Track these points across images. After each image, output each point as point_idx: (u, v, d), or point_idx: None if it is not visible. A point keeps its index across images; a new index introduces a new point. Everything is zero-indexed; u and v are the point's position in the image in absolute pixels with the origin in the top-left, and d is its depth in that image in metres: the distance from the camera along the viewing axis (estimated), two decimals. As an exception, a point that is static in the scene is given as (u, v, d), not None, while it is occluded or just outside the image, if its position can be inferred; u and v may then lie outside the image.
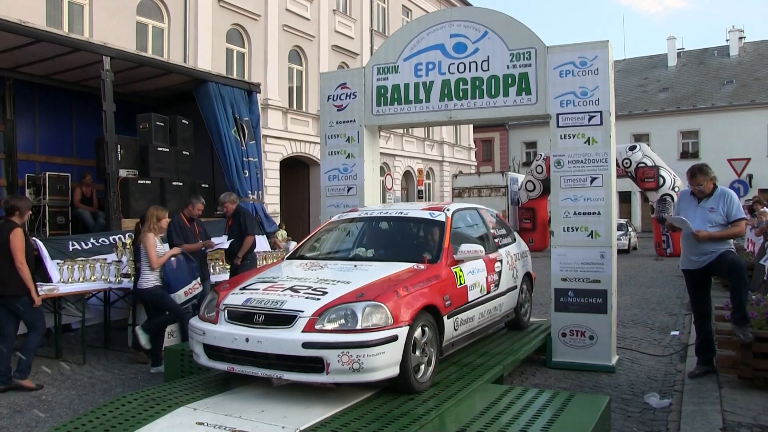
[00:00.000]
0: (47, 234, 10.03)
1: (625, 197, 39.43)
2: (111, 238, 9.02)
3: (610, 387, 6.16)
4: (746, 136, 37.14)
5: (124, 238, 8.82)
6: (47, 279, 7.70)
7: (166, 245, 7.36)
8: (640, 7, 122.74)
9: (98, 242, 8.89)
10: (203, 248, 7.94)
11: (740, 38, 45.08)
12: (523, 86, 6.99)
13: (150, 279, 6.98)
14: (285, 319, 4.47)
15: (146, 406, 4.39)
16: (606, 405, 4.45)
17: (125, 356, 7.81)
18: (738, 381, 5.57)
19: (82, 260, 8.12)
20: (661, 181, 23.13)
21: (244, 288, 5.01)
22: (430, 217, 6.11)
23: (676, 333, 8.75)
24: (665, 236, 22.66)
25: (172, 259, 7.05)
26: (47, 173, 10.70)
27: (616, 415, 5.24)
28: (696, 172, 6.01)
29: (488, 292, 6.16)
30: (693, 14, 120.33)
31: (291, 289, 4.80)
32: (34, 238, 8.71)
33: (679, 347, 7.74)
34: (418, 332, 4.71)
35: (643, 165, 23.42)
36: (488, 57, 7.12)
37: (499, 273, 6.53)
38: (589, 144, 6.73)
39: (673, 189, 22.85)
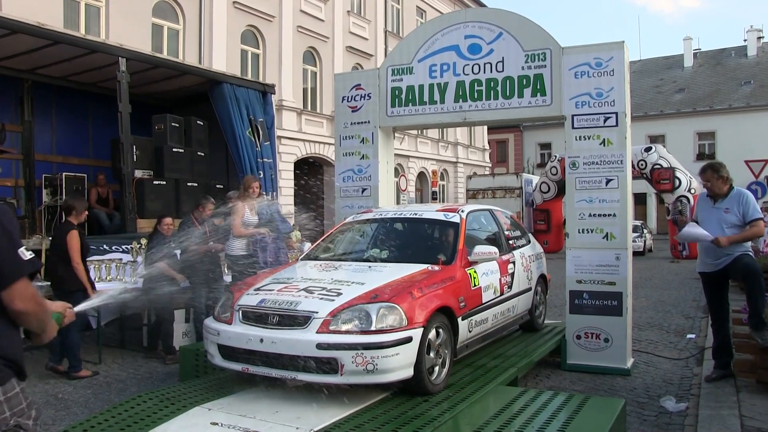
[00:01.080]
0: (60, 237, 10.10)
1: (640, 199, 39.18)
2: (124, 246, 9.04)
3: (626, 390, 6.12)
4: (764, 137, 36.72)
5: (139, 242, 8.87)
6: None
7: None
8: (655, 7, 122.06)
9: (111, 248, 8.92)
10: (212, 251, 7.93)
11: (758, 38, 44.69)
12: (538, 87, 6.96)
13: (236, 246, 7.11)
14: (299, 320, 4.48)
15: (161, 406, 4.42)
16: (621, 408, 4.42)
17: (140, 356, 7.86)
18: (756, 385, 5.50)
19: (97, 260, 8.18)
20: (677, 182, 22.96)
21: (258, 289, 5.02)
22: (444, 219, 6.10)
23: (693, 336, 8.67)
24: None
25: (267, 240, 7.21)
26: (64, 174, 10.81)
27: (632, 418, 5.20)
28: (706, 169, 5.94)
29: (502, 294, 6.13)
30: (709, 14, 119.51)
31: (305, 290, 4.81)
32: (50, 237, 8.80)
33: (695, 350, 7.67)
34: (432, 334, 4.70)
35: (658, 166, 23.27)
36: (503, 58, 7.09)
37: (513, 274, 6.50)
38: (604, 145, 6.69)
39: (689, 191, 22.66)
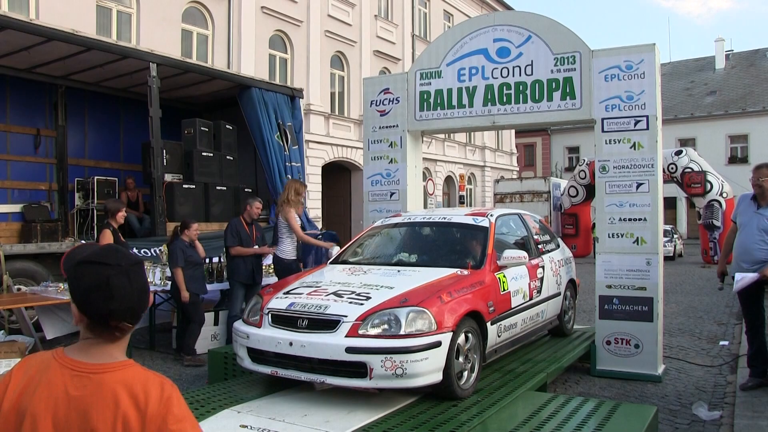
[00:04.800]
0: (95, 237, 10.26)
1: (670, 203, 38.57)
2: (153, 250, 9.16)
3: (657, 397, 6.03)
4: (799, 141, 35.94)
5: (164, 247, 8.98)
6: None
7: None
8: (683, 9, 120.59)
9: (140, 252, 9.03)
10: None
11: (793, 39, 43.78)
12: (568, 91, 6.90)
13: (287, 251, 7.40)
14: (328, 324, 4.49)
15: (191, 408, 4.41)
16: (653, 415, 4.36)
17: (170, 357, 7.94)
18: (793, 394, 5.39)
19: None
20: (709, 186, 22.55)
21: (287, 292, 5.05)
22: (473, 223, 6.07)
23: (726, 343, 8.51)
24: (712, 243, 22.10)
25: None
26: (95, 177, 10.97)
27: (664, 426, 5.13)
28: (762, 167, 5.76)
29: (531, 299, 6.09)
30: (740, 15, 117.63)
31: (334, 293, 4.82)
32: (82, 240, 8.96)
33: (729, 358, 7.53)
34: (461, 338, 4.68)
35: (689, 170, 22.88)
36: (532, 61, 7.04)
37: (542, 279, 6.46)
38: (635, 149, 6.61)
39: (720, 194, 22.25)
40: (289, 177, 11.42)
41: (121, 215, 7.13)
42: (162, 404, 1.59)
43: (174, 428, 1.57)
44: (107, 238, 6.83)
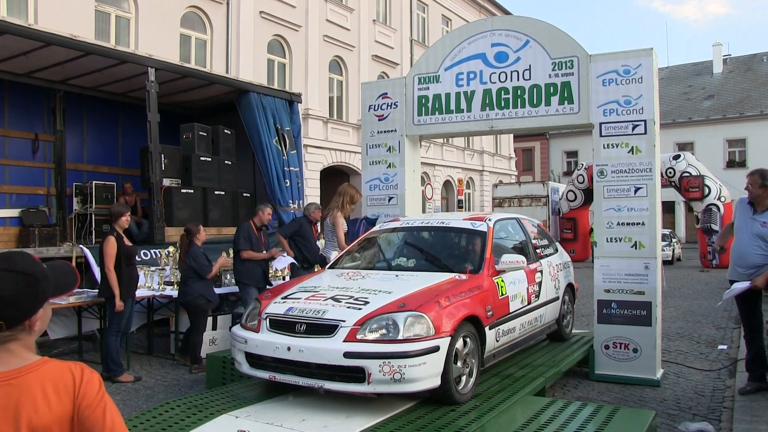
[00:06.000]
0: (93, 241, 10.27)
1: (668, 207, 38.57)
2: (153, 251, 9.16)
3: (655, 401, 6.02)
4: (797, 145, 35.99)
5: (167, 250, 8.97)
6: (95, 285, 7.87)
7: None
8: (680, 14, 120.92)
9: (140, 255, 9.01)
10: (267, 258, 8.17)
11: (790, 44, 43.87)
12: (566, 95, 6.90)
13: (336, 252, 7.44)
14: (327, 329, 4.48)
15: (189, 413, 4.44)
16: (652, 420, 4.36)
17: (168, 362, 7.92)
18: (792, 398, 5.38)
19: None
20: (707, 190, 22.57)
21: (285, 297, 5.04)
22: (471, 227, 6.07)
23: (724, 347, 8.51)
24: (710, 247, 22.10)
25: None
26: (94, 182, 10.97)
27: (663, 430, 5.12)
28: (755, 173, 5.76)
29: (529, 303, 6.09)
30: (736, 20, 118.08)
31: (333, 298, 4.81)
32: (81, 245, 8.94)
33: (727, 362, 7.53)
34: (459, 343, 4.67)
35: (687, 174, 22.91)
36: (530, 66, 7.05)
37: (541, 284, 6.45)
38: (632, 153, 6.62)
39: (718, 199, 22.27)
40: (288, 182, 11.44)
41: (125, 219, 7.07)
42: (85, 384, 1.65)
43: (98, 400, 1.66)
44: (111, 245, 6.80)
